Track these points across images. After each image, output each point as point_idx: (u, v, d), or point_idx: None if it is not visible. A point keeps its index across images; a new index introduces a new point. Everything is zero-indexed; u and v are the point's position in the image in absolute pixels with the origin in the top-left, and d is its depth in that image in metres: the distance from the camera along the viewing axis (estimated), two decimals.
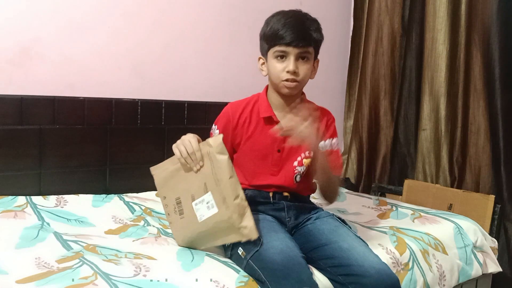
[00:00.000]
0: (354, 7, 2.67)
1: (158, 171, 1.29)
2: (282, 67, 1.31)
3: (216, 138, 1.20)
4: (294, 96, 1.39)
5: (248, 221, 1.16)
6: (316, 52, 1.36)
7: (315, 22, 1.34)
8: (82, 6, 1.80)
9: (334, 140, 1.44)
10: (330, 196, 1.42)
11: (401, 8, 2.44)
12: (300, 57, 1.31)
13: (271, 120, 1.37)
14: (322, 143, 1.40)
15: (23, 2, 1.68)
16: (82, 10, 1.80)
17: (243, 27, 2.25)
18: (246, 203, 1.18)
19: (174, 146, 1.23)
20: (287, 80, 1.31)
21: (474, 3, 2.15)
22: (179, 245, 1.30)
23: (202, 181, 1.20)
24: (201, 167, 1.20)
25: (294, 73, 1.30)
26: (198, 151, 1.20)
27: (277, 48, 1.31)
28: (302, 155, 1.39)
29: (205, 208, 1.20)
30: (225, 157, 1.18)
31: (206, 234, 1.23)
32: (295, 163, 1.38)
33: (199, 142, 1.22)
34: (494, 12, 2.06)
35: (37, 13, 1.71)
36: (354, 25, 2.67)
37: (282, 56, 1.31)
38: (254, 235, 1.16)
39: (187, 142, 1.21)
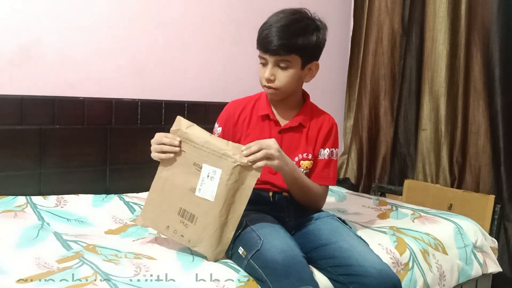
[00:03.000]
0: (354, 7, 2.67)
1: (145, 215, 1.28)
2: (263, 73, 1.33)
3: (176, 120, 1.25)
4: (290, 99, 1.40)
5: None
6: (305, 57, 1.32)
7: (308, 26, 1.30)
8: (82, 6, 1.80)
9: (334, 150, 1.43)
10: (308, 206, 1.39)
11: (401, 8, 2.44)
12: (278, 65, 1.31)
13: (268, 118, 1.39)
14: (321, 150, 1.40)
15: (23, 2, 1.68)
16: (82, 10, 1.80)
17: (243, 27, 2.25)
18: (239, 144, 1.21)
19: (151, 155, 1.25)
20: (265, 86, 1.34)
21: (474, 3, 2.15)
22: (212, 259, 1.20)
23: (190, 164, 1.21)
24: (181, 151, 1.22)
25: (270, 80, 1.31)
26: (168, 134, 1.23)
27: (259, 54, 1.34)
28: (300, 156, 1.38)
29: (209, 183, 1.19)
30: (194, 125, 1.24)
31: (227, 206, 1.18)
32: None
33: None
34: (494, 12, 2.06)
35: (37, 13, 1.70)
36: (354, 25, 2.67)
37: (265, 63, 1.33)
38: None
39: (153, 139, 1.25)
